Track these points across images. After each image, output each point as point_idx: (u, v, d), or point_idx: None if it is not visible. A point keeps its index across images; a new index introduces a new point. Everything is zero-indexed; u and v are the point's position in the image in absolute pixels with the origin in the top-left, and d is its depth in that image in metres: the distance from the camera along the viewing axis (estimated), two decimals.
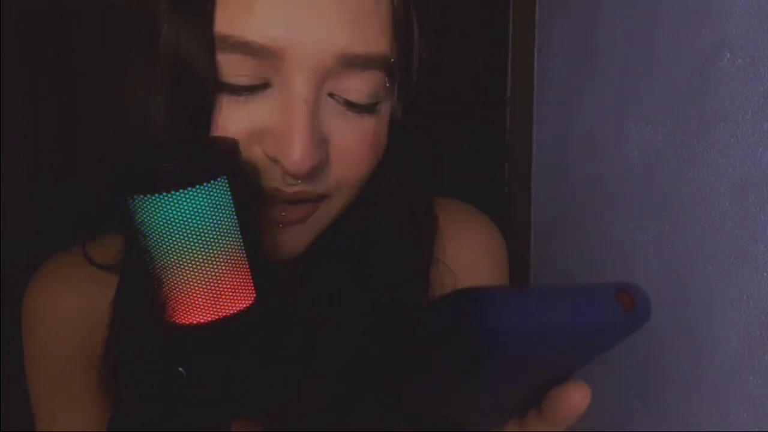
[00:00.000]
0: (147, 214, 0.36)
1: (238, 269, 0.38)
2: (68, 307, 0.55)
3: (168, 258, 0.36)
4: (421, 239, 0.57)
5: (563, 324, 0.26)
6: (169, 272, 0.37)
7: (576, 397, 0.31)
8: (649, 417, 1.13)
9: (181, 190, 0.36)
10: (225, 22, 0.42)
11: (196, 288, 0.37)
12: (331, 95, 0.44)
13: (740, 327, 0.90)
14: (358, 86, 0.44)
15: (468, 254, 0.60)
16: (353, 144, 0.45)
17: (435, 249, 0.58)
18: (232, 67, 0.42)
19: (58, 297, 0.55)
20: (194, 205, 0.36)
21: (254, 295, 0.39)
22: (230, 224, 0.38)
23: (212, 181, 0.36)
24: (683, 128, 1.01)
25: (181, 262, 0.36)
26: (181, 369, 0.37)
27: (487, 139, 1.66)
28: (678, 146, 1.03)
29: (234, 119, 0.43)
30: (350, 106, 0.45)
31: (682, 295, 1.03)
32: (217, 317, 0.38)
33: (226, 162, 0.38)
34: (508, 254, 0.65)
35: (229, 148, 0.40)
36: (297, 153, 0.42)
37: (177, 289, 0.37)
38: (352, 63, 0.43)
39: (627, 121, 1.17)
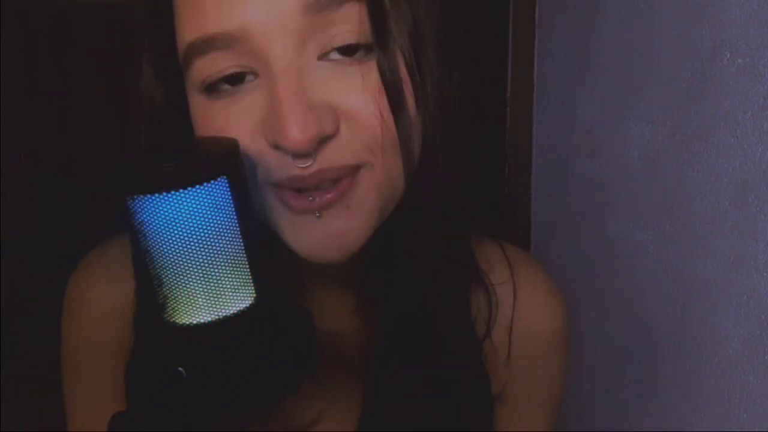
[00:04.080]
0: (147, 214, 0.36)
1: (238, 269, 0.38)
2: (111, 300, 0.55)
3: (168, 258, 0.36)
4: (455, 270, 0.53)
5: None
6: (169, 272, 0.37)
7: None
8: (649, 417, 1.13)
9: (181, 190, 0.35)
10: (188, 31, 0.42)
11: (196, 288, 0.37)
12: (320, 58, 0.42)
13: (740, 327, 0.90)
14: (342, 28, 0.41)
15: (533, 340, 0.57)
16: (362, 98, 0.42)
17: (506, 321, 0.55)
18: (215, 66, 0.42)
19: (102, 289, 0.55)
20: (194, 205, 0.36)
21: (254, 295, 0.39)
22: (230, 224, 0.38)
23: (212, 181, 0.36)
24: (683, 128, 1.01)
25: (181, 262, 0.36)
26: (181, 369, 0.37)
27: (487, 139, 1.66)
28: (678, 146, 1.03)
29: (231, 119, 0.42)
30: (342, 52, 0.41)
31: (682, 295, 1.03)
32: (217, 317, 0.38)
33: (226, 162, 0.38)
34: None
35: (229, 148, 0.40)
36: (290, 126, 0.39)
37: (177, 289, 0.37)
38: (321, 6, 0.41)
39: (627, 121, 1.17)
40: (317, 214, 0.43)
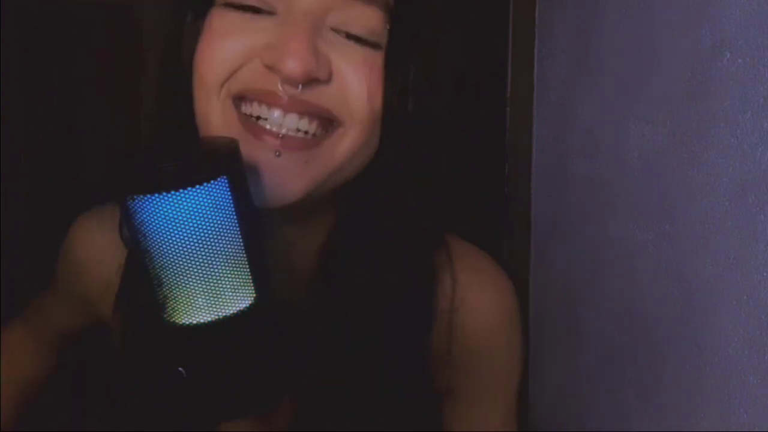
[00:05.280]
0: (147, 214, 0.36)
1: (238, 269, 0.38)
2: (107, 240, 0.59)
3: (168, 258, 0.36)
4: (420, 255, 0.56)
5: None
6: (169, 272, 0.37)
7: None
8: (649, 417, 1.13)
9: (181, 190, 0.36)
10: None
11: (196, 288, 0.37)
12: (334, 30, 0.47)
13: (740, 327, 0.90)
14: (360, 20, 0.47)
15: (475, 331, 0.58)
16: (353, 67, 0.48)
17: (450, 298, 0.57)
18: None
19: (101, 233, 0.61)
20: (194, 205, 0.36)
21: (254, 295, 0.39)
22: (230, 224, 0.38)
23: (212, 181, 0.37)
24: (683, 128, 1.01)
25: (181, 262, 0.36)
26: (181, 369, 0.38)
27: (487, 139, 1.66)
28: (678, 146, 1.03)
29: (240, 32, 0.47)
30: (351, 37, 0.48)
31: (682, 295, 1.02)
32: (216, 317, 0.38)
33: (226, 162, 0.38)
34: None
35: (229, 148, 0.40)
36: (293, 56, 0.44)
37: (177, 289, 0.37)
38: None
39: (627, 121, 1.17)
40: (277, 153, 0.46)
